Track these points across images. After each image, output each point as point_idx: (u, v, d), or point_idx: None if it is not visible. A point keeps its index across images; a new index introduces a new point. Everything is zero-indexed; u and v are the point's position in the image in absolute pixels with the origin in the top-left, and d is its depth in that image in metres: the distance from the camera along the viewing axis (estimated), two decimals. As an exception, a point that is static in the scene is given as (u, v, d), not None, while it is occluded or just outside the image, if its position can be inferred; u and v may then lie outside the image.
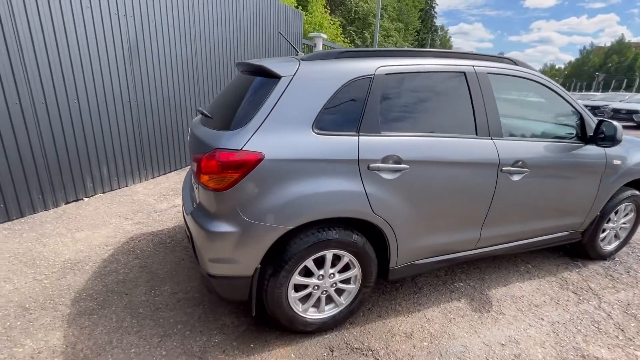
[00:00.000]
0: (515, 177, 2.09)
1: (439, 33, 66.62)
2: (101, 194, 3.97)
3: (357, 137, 1.70)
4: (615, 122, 2.22)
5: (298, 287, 1.83)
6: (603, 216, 2.63)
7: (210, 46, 5.30)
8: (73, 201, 3.71)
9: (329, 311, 1.93)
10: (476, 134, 1.98)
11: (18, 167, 3.17)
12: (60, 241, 2.86)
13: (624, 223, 2.86)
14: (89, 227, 3.15)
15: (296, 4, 14.79)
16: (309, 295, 1.86)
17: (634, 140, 2.70)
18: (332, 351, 1.83)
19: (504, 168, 2.03)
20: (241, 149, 1.53)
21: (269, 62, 1.76)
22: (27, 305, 2.07)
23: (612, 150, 2.45)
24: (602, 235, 2.78)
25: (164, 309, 2.09)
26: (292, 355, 1.79)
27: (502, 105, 2.12)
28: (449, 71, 1.95)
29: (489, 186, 2.03)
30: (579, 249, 2.82)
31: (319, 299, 1.89)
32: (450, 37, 78.76)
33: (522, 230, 2.36)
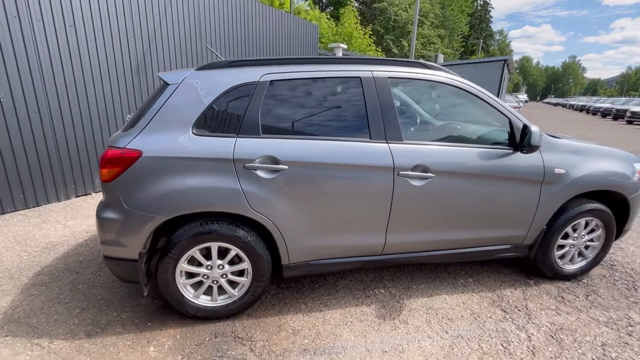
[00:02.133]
0: (417, 182, 2.04)
1: (497, 37, 62.74)
2: (107, 190, 4.57)
3: (234, 139, 1.85)
4: (533, 127, 2.04)
5: (191, 274, 2.01)
6: (554, 231, 2.39)
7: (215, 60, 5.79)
8: (82, 195, 4.34)
9: (222, 301, 2.07)
10: (370, 138, 2.00)
11: (35, 165, 3.83)
12: (53, 227, 3.39)
13: (591, 240, 2.55)
14: (82, 217, 3.67)
15: (329, 16, 15.30)
16: (201, 283, 2.03)
17: (586, 147, 2.42)
18: (215, 337, 1.96)
19: (401, 172, 2.00)
20: (124, 147, 1.78)
21: (166, 73, 2.00)
22: (0, 275, 2.54)
23: (553, 158, 2.25)
24: (559, 252, 2.52)
25: (98, 287, 2.41)
26: (178, 336, 1.96)
27: (412, 110, 2.10)
28: (342, 77, 2.01)
29: (384, 190, 2.01)
30: (532, 266, 2.58)
31: (212, 287, 2.04)
32: (510, 41, 73.75)
33: (445, 239, 2.26)
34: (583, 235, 2.51)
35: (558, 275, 2.56)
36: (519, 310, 2.24)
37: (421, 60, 2.19)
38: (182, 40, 5.17)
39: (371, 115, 2.00)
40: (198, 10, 5.34)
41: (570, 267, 2.58)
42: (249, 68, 1.94)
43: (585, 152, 2.37)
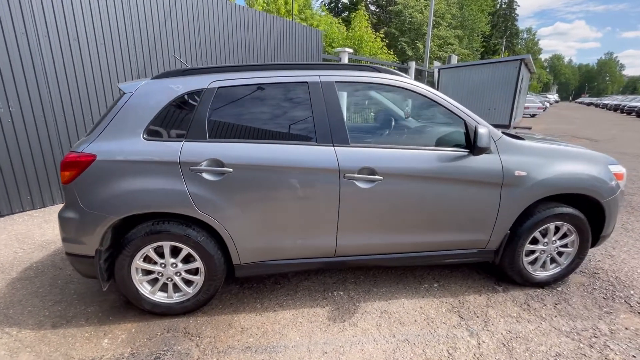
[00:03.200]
0: (364, 185, 2.04)
1: (524, 36, 60.39)
2: (110, 193, 4.85)
3: (181, 143, 1.95)
4: (481, 128, 1.99)
5: (147, 271, 2.12)
6: (520, 235, 2.31)
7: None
8: (86, 197, 4.62)
9: (177, 298, 2.16)
10: (317, 141, 2.03)
11: (42, 168, 4.15)
12: (52, 227, 3.65)
13: (564, 246, 2.43)
14: (80, 217, 3.92)
15: (340, 21, 15.40)
16: (157, 280, 2.13)
17: (554, 149, 2.31)
18: (167, 332, 2.05)
19: (347, 175, 2.02)
20: (81, 152, 1.92)
21: (125, 82, 2.13)
22: (-6, 269, 2.78)
23: (513, 160, 2.18)
24: (529, 258, 2.42)
25: (75, 283, 2.58)
26: (133, 330, 2.07)
27: (363, 113, 2.11)
28: (288, 82, 2.06)
29: (331, 192, 2.03)
30: (501, 272, 2.50)
31: (167, 285, 2.14)
32: (539, 39, 70.81)
33: (401, 242, 2.24)
34: (554, 240, 2.40)
35: (528, 282, 2.46)
36: (477, 317, 2.17)
37: (373, 64, 2.21)
38: (182, 50, 5.41)
39: (317, 119, 2.04)
40: (197, 20, 5.58)
41: (542, 274, 2.47)
42: (199, 76, 2.04)
43: (551, 154, 2.28)
